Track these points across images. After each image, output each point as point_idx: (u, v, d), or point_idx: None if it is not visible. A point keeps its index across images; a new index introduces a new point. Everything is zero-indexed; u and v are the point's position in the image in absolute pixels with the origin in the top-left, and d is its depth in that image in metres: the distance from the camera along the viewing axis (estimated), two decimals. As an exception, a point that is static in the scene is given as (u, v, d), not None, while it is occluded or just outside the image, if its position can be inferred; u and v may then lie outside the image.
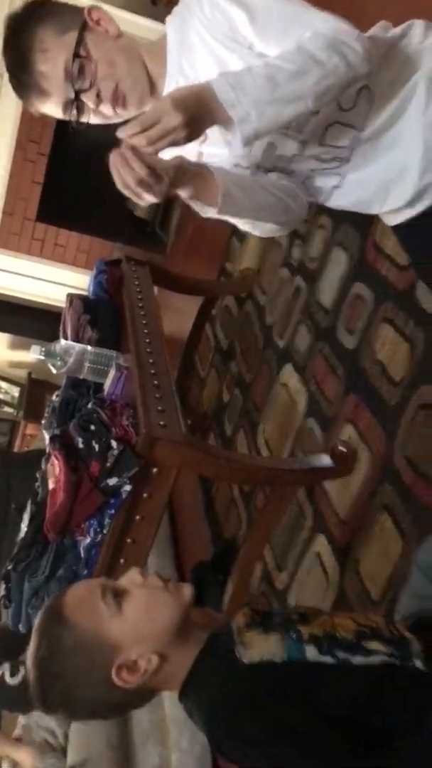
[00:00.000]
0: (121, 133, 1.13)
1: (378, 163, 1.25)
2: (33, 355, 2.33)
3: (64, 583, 2.10)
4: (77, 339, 2.51)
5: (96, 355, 2.35)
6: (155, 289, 3.01)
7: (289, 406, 2.60)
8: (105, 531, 1.98)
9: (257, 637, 1.07)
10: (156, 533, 2.06)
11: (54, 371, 2.37)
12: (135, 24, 4.51)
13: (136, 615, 1.07)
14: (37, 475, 2.32)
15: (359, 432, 2.07)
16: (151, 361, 2.19)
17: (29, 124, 4.75)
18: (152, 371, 2.13)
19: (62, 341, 2.39)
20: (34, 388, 5.86)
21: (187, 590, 1.12)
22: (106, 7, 4.03)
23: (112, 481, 1.89)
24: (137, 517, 1.97)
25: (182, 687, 1.08)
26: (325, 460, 2.08)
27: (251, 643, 1.06)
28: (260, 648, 1.05)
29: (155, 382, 2.08)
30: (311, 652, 1.03)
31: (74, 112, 1.28)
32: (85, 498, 1.97)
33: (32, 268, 5.30)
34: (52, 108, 1.30)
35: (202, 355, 3.71)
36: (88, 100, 1.26)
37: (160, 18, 4.88)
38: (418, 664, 1.02)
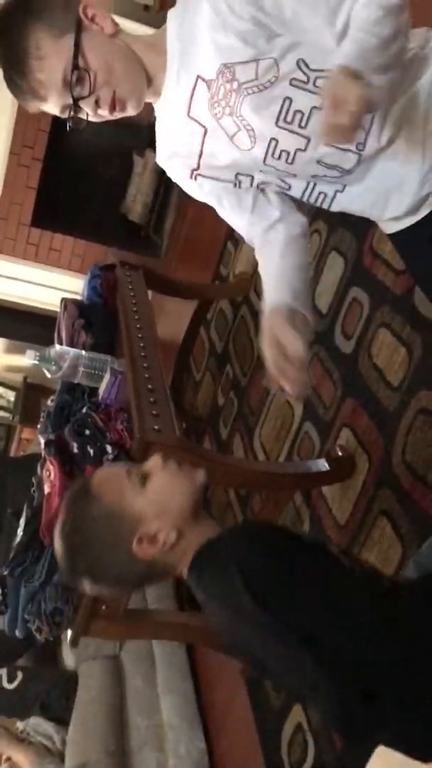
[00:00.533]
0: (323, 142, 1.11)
1: (378, 173, 1.24)
2: (28, 360, 2.31)
3: (61, 589, 2.09)
4: (72, 344, 2.50)
5: (90, 360, 2.34)
6: (149, 292, 3.00)
7: (286, 410, 2.59)
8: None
9: None
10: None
11: (49, 376, 2.36)
12: (127, 29, 4.50)
13: (157, 492, 1.17)
14: (33, 480, 2.31)
15: (357, 437, 2.07)
16: (145, 365, 2.18)
17: (23, 129, 4.74)
18: (146, 375, 2.13)
19: (57, 346, 2.38)
20: (30, 392, 5.86)
21: (201, 474, 1.21)
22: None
23: (108, 487, 1.88)
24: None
25: (199, 550, 1.14)
26: (322, 464, 2.07)
27: None
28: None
29: (149, 386, 2.07)
30: None
31: (72, 115, 1.27)
32: (81, 503, 1.96)
33: (27, 273, 5.29)
34: (49, 109, 1.29)
35: (197, 359, 3.71)
36: (86, 106, 1.25)
37: (153, 23, 4.90)
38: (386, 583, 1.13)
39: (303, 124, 1.21)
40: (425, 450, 1.76)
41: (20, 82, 1.24)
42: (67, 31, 1.22)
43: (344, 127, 1.06)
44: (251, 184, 1.34)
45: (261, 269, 1.40)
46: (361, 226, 2.26)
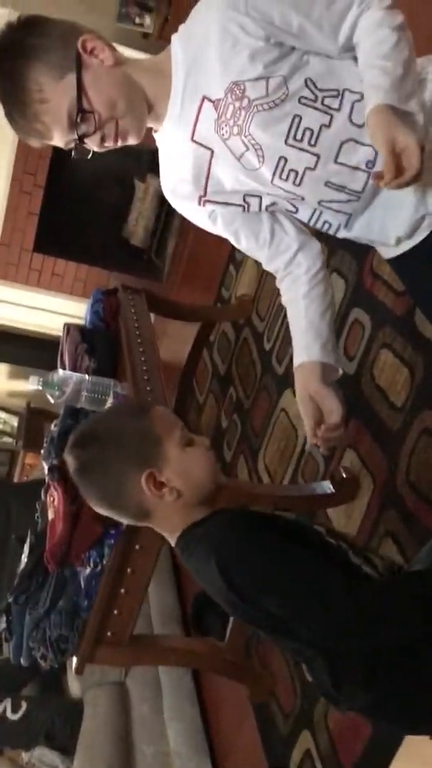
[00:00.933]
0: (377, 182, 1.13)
1: (380, 201, 1.25)
2: (31, 385, 2.32)
3: (65, 616, 2.07)
4: (75, 368, 2.51)
5: (94, 384, 2.34)
6: (152, 316, 3.01)
7: (290, 431, 2.59)
8: (105, 561, 1.97)
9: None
10: (156, 562, 2.04)
11: (52, 401, 2.36)
12: (126, 56, 4.58)
13: (192, 458, 1.20)
14: (37, 506, 2.30)
15: (361, 457, 2.06)
16: (148, 388, 2.18)
17: (25, 156, 4.80)
18: (149, 399, 2.13)
19: (60, 371, 2.38)
20: (33, 417, 5.85)
21: (222, 478, 1.28)
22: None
23: (112, 512, 1.88)
24: (137, 547, 1.95)
25: (188, 527, 1.18)
26: (327, 486, 2.07)
27: None
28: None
29: (154, 410, 2.07)
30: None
31: (77, 150, 1.27)
32: (85, 529, 1.95)
33: (30, 298, 5.32)
34: (54, 143, 1.29)
35: (199, 381, 3.71)
36: (91, 143, 1.26)
37: (152, 51, 4.96)
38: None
39: (312, 141, 1.21)
40: (429, 470, 1.76)
41: (23, 123, 1.25)
42: (67, 71, 1.21)
43: (412, 179, 1.09)
44: (260, 207, 1.34)
45: (285, 304, 1.43)
46: (361, 248, 2.26)
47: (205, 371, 3.68)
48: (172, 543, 1.21)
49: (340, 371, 1.39)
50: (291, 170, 1.24)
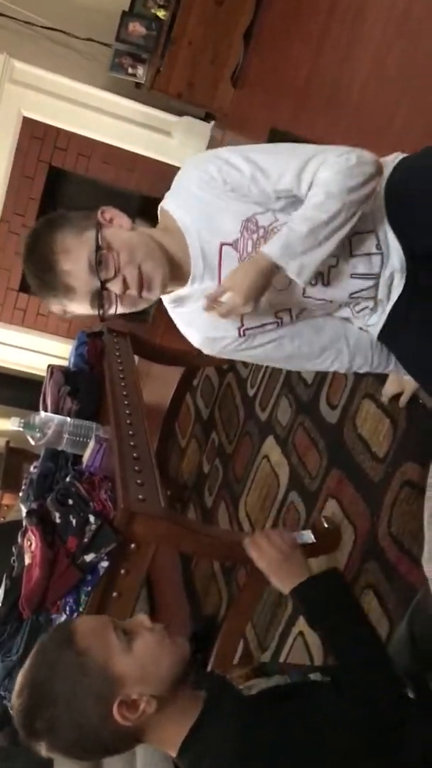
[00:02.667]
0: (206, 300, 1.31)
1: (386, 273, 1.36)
2: (12, 426, 2.30)
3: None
4: (57, 410, 2.50)
5: (75, 427, 2.33)
6: (136, 358, 3.01)
7: (271, 479, 2.57)
8: (81, 608, 1.92)
9: (260, 681, 1.15)
10: (134, 610, 2.00)
11: (33, 443, 2.34)
12: (118, 105, 4.66)
13: (144, 655, 1.09)
14: (14, 549, 2.26)
15: (343, 508, 2.05)
16: (131, 432, 2.17)
17: (14, 197, 4.85)
18: (132, 443, 2.11)
19: (42, 413, 2.37)
20: (12, 457, 5.79)
21: (187, 645, 1.15)
22: (92, 90, 4.19)
23: (89, 557, 1.85)
24: (114, 594, 1.92)
25: (187, 738, 1.08)
26: (308, 536, 2.05)
27: (255, 684, 1.14)
28: (264, 684, 1.13)
29: (134, 454, 2.05)
30: (315, 676, 1.15)
31: (102, 303, 1.31)
32: (62, 575, 1.91)
33: (14, 337, 5.31)
34: (79, 304, 1.33)
35: (182, 425, 3.70)
36: (114, 287, 1.29)
37: (144, 101, 5.06)
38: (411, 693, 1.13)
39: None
40: (410, 522, 1.75)
41: (48, 279, 1.31)
42: (87, 229, 1.30)
43: (221, 314, 1.28)
44: (291, 318, 1.42)
45: None
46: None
47: (188, 415, 3.67)
48: (173, 754, 1.10)
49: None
50: (318, 273, 1.31)
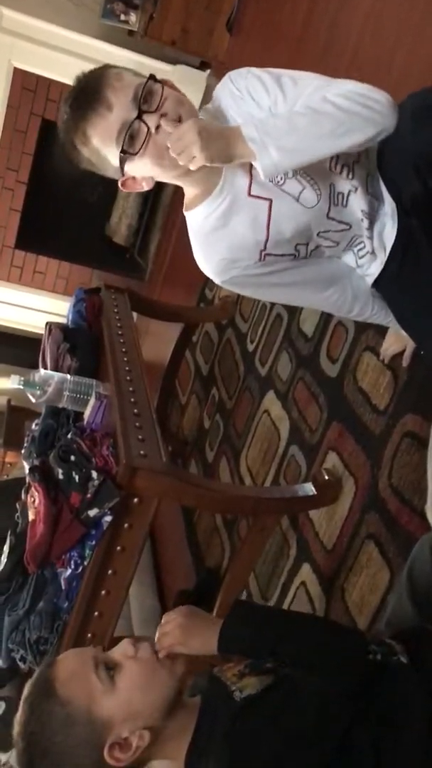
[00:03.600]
0: None
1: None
2: (12, 384, 2.30)
3: (45, 617, 2.06)
4: (57, 368, 2.49)
5: (76, 384, 2.33)
6: (135, 315, 3.00)
7: (272, 433, 2.58)
8: (86, 562, 1.95)
9: (252, 680, 1.08)
10: (137, 563, 2.03)
11: (33, 400, 2.34)
12: (111, 54, 4.55)
13: (128, 689, 1.05)
14: (17, 506, 2.28)
15: (343, 460, 2.06)
16: (131, 389, 2.17)
17: (8, 152, 4.77)
18: (132, 399, 2.11)
19: (41, 370, 2.36)
20: (13, 415, 5.81)
21: (179, 665, 1.10)
22: (84, 39, 4.06)
23: (93, 513, 1.87)
24: (118, 548, 1.94)
25: (189, 752, 1.04)
26: (309, 489, 2.06)
27: (247, 684, 1.07)
28: (257, 685, 1.07)
29: (135, 410, 2.06)
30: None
31: (131, 134, 1.28)
32: (66, 530, 1.93)
33: (11, 295, 5.28)
34: (106, 128, 1.29)
35: (182, 381, 3.70)
36: (149, 120, 1.27)
37: (138, 49, 4.93)
38: (403, 659, 1.08)
39: (350, 175, 1.35)
40: (411, 473, 1.76)
41: (91, 89, 1.28)
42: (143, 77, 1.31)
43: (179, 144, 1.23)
44: (307, 253, 1.45)
45: None
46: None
47: (187, 372, 3.67)
48: None
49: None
50: (339, 193, 1.35)
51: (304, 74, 1.31)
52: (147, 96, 1.26)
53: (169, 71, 4.64)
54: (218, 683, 1.09)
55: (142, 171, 1.35)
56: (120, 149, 1.28)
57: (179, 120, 1.26)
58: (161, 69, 4.65)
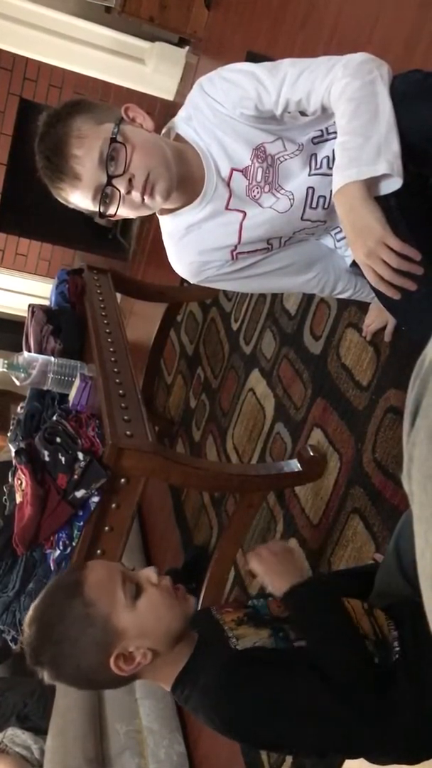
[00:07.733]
0: None
1: None
2: (-4, 367, 2.29)
3: (35, 598, 2.07)
4: (40, 350, 2.48)
5: (60, 366, 2.33)
6: (118, 296, 2.99)
7: (257, 411, 2.60)
8: (74, 543, 1.96)
9: (249, 630, 1.18)
10: (126, 543, 2.04)
11: (18, 383, 2.34)
12: (89, 32, 4.48)
13: (145, 611, 1.14)
14: (5, 489, 2.28)
15: (328, 436, 2.08)
16: (116, 370, 2.17)
17: (-14, 132, 4.70)
18: (117, 380, 2.11)
19: (25, 353, 2.35)
20: (-1, 398, 5.79)
21: (192, 601, 1.20)
22: (61, 15, 4.02)
23: (80, 493, 1.87)
24: (106, 528, 1.95)
25: (179, 676, 1.15)
26: (294, 465, 2.08)
27: (244, 635, 1.17)
28: (252, 637, 1.16)
29: (120, 391, 2.06)
30: (299, 644, 1.16)
31: (104, 199, 1.30)
32: (54, 511, 1.94)
33: (-7, 278, 5.24)
34: (81, 194, 1.31)
35: (167, 361, 3.70)
36: (119, 185, 1.27)
37: (115, 26, 4.86)
38: (396, 647, 1.13)
39: (331, 165, 1.30)
40: (394, 448, 1.78)
41: (58, 161, 1.29)
42: (107, 121, 1.28)
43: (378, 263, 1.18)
44: (281, 244, 1.45)
45: None
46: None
47: (172, 351, 3.67)
48: (166, 688, 1.18)
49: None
50: (320, 197, 1.35)
51: (277, 63, 1.30)
52: (113, 156, 1.26)
53: (147, 48, 4.59)
54: (216, 626, 1.19)
55: (122, 215, 1.39)
56: (98, 212, 1.33)
57: (148, 177, 1.27)
58: (140, 46, 4.59)
